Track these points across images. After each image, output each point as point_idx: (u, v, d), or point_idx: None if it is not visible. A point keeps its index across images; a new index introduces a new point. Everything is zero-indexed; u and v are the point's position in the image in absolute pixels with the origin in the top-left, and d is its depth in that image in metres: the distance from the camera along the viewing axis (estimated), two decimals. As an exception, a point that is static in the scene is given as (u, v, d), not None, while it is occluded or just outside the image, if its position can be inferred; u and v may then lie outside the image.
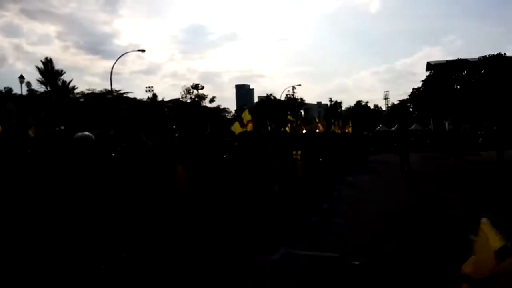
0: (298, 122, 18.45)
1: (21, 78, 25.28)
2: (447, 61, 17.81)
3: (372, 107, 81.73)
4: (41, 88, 29.86)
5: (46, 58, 31.20)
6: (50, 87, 29.76)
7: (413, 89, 18.63)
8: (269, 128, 23.75)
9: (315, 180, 10.89)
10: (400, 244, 6.73)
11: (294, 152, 9.04)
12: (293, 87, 46.56)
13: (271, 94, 48.32)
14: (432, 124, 46.07)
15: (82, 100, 40.92)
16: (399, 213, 9.10)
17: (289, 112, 20.32)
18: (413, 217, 8.65)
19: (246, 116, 11.43)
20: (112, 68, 29.43)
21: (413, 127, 49.80)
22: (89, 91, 63.85)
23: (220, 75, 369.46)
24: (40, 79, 29.92)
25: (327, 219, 8.67)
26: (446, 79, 17.18)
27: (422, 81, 18.07)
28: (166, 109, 60.42)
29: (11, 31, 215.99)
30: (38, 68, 30.51)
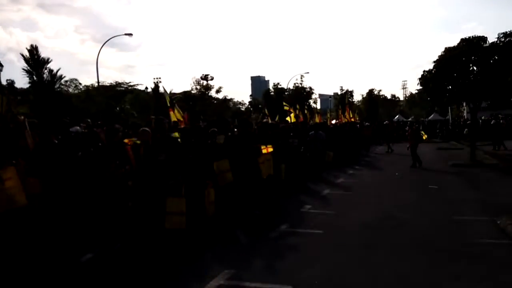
0: (297, 111, 16.65)
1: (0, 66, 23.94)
2: (462, 39, 15.60)
3: (389, 97, 79.07)
4: (26, 78, 29.00)
5: (32, 46, 29.48)
6: (36, 77, 28.58)
7: (424, 71, 16.43)
8: (269, 120, 22.06)
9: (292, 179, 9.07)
10: (378, 270, 4.95)
11: (263, 147, 7.19)
12: (301, 76, 44.49)
13: (278, 83, 46.37)
14: (450, 113, 43.50)
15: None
16: (389, 221, 7.28)
17: (284, 102, 18.55)
18: (407, 226, 6.84)
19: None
20: (98, 55, 27.82)
21: (431, 117, 47.39)
22: (100, 84, 63.53)
23: (238, 67, 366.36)
24: (25, 68, 28.71)
25: (299, 229, 6.89)
26: (461, 60, 14.99)
27: (434, 61, 15.88)
28: (174, 101, 59.33)
29: (29, 25, 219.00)
30: (23, 56, 28.36)
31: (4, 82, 40.08)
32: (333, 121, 20.31)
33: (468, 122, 26.79)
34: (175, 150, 5.69)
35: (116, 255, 5.46)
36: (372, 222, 7.22)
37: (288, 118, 15.42)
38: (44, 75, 28.81)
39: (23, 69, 28.64)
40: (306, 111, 21.05)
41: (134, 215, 5.75)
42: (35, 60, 28.46)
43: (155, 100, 40.92)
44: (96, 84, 61.95)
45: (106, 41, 29.33)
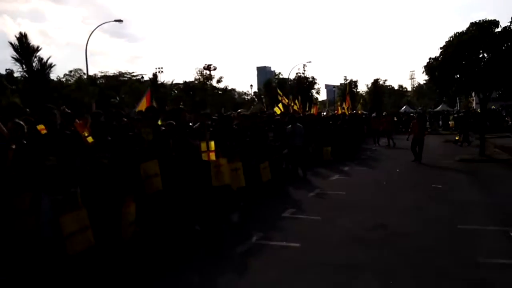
0: (288, 101, 15.49)
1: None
2: (472, 23, 14.26)
3: (396, 87, 77.41)
4: (15, 66, 28.08)
5: (21, 33, 27.83)
6: (25, 65, 27.50)
7: (430, 59, 15.14)
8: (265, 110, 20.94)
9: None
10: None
11: (203, 145, 5.77)
12: (304, 65, 43.07)
13: (279, 73, 45.06)
14: (458, 104, 42.17)
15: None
16: (382, 231, 6.18)
17: (278, 90, 17.40)
18: (402, 238, 5.70)
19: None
20: (87, 43, 26.61)
21: (439, 108, 46.11)
22: (102, 74, 62.65)
23: (244, 57, 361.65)
24: (15, 56, 27.55)
25: (273, 240, 5.81)
26: (470, 46, 13.68)
27: (441, 48, 14.57)
28: (175, 91, 58.42)
29: (37, 16, 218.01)
30: (11, 44, 27.15)
31: (3, 72, 39.38)
32: (324, 113, 19.12)
33: (460, 114, 25.93)
34: (70, 151, 4.31)
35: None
36: (361, 232, 6.13)
37: (276, 109, 14.27)
38: (34, 64, 27.71)
39: (12, 57, 27.66)
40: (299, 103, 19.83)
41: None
42: (24, 48, 27.39)
43: (153, 89, 39.98)
44: (100, 74, 61.00)
45: (96, 28, 28.16)
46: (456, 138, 20.00)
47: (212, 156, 5.67)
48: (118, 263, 4.71)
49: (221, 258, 5.13)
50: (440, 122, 33.84)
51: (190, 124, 6.98)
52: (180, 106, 25.16)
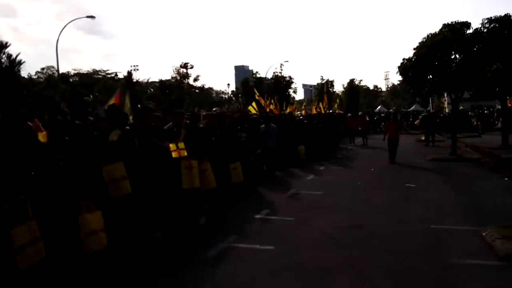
0: (265, 101, 15.40)
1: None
2: (444, 25, 14.50)
3: (371, 87, 78.63)
4: None
5: None
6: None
7: (403, 59, 15.34)
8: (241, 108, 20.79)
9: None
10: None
11: (172, 145, 5.51)
12: (281, 64, 43.07)
13: (256, 72, 44.92)
14: (430, 104, 43.12)
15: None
16: (357, 231, 6.12)
17: (255, 90, 17.32)
18: (377, 238, 5.64)
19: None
20: (57, 42, 25.85)
21: (413, 108, 47.08)
22: (76, 71, 60.95)
23: (222, 56, 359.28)
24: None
25: (246, 243, 5.65)
26: (442, 47, 13.89)
27: (414, 49, 14.78)
28: (151, 89, 57.51)
29: (9, 12, 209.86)
30: None
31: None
32: (302, 112, 19.11)
33: (424, 113, 26.64)
34: (14, 154, 3.91)
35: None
36: (337, 233, 6.05)
37: (250, 107, 14.19)
38: (3, 60, 26.65)
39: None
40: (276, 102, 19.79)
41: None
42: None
43: (127, 87, 39.11)
44: (73, 72, 59.34)
45: (68, 23, 27.40)
46: (422, 138, 20.34)
47: (184, 153, 5.44)
48: (77, 274, 4.43)
49: (190, 263, 4.93)
50: (409, 123, 34.53)
51: (163, 126, 6.70)
52: (148, 105, 24.68)
